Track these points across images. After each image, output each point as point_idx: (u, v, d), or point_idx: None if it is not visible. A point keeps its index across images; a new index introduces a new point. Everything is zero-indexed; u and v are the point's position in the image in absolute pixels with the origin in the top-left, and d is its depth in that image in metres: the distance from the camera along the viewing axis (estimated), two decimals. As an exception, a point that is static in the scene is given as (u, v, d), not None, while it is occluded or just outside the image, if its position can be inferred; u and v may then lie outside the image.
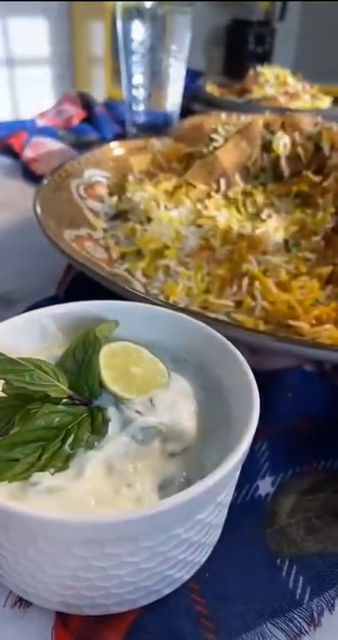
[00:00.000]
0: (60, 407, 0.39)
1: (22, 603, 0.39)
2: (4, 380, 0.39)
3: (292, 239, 0.71)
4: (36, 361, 0.40)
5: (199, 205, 0.80)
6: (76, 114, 1.53)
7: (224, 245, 0.72)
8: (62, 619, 0.38)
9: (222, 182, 0.85)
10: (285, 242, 0.71)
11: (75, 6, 4.03)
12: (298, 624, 0.38)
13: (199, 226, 0.76)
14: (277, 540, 0.45)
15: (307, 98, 1.68)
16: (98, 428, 0.39)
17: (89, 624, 0.38)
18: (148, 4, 1.19)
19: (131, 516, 0.30)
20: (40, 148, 1.31)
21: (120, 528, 0.30)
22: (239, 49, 4.46)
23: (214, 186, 0.85)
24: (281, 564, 0.43)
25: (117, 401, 0.41)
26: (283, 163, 0.80)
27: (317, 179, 0.76)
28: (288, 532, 0.46)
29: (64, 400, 0.40)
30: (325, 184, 0.74)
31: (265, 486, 0.50)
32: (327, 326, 0.60)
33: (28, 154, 1.28)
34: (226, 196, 0.82)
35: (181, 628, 0.38)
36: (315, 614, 0.39)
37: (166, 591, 0.39)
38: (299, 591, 0.41)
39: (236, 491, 0.48)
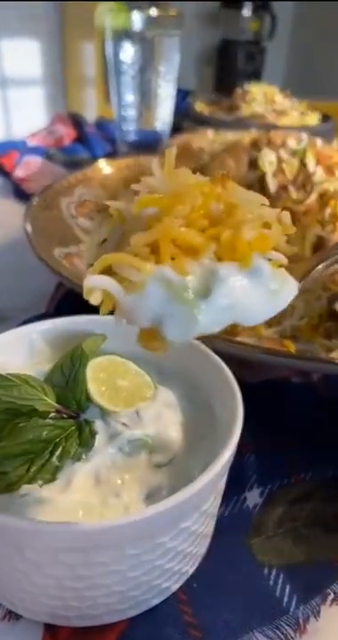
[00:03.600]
0: (48, 421, 0.40)
1: (11, 615, 0.40)
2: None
3: None
4: (24, 376, 0.41)
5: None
6: (66, 134, 1.54)
7: None
8: (51, 630, 0.38)
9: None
10: None
11: (66, 28, 4.08)
12: (284, 631, 0.39)
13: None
14: (264, 550, 0.45)
15: (295, 114, 1.70)
16: (85, 440, 0.40)
17: (77, 635, 0.38)
18: (137, 26, 1.21)
19: (115, 523, 0.31)
20: (31, 168, 1.32)
21: (104, 535, 0.31)
22: (230, 68, 4.51)
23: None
24: (268, 574, 0.43)
25: (104, 414, 0.42)
26: (269, 179, 0.81)
27: (300, 196, 0.77)
28: (276, 541, 0.46)
29: (52, 414, 0.41)
30: (308, 202, 0.76)
31: (253, 497, 0.50)
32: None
33: (20, 173, 1.29)
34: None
35: (170, 638, 0.38)
36: (301, 621, 0.40)
37: (155, 601, 0.39)
38: (285, 599, 0.41)
39: (224, 503, 0.48)
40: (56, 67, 4.23)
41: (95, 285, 0.30)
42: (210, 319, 0.30)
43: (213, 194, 0.32)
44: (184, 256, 0.30)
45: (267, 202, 0.33)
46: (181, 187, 0.32)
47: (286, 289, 0.32)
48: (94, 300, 0.30)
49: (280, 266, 0.32)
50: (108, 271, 0.30)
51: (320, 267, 0.46)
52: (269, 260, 0.32)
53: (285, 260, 0.33)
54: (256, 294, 0.31)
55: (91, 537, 0.31)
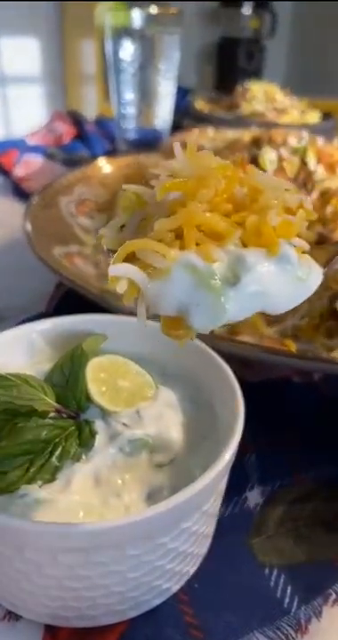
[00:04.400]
0: (48, 421, 0.40)
1: (11, 616, 0.39)
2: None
3: None
4: (24, 376, 0.41)
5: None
6: (66, 132, 1.54)
7: None
8: (51, 631, 0.38)
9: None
10: None
11: (66, 26, 4.08)
12: (285, 631, 0.39)
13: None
14: (265, 550, 0.45)
15: (296, 113, 1.70)
16: (85, 440, 0.40)
17: (78, 636, 0.38)
18: (137, 24, 1.21)
19: (115, 524, 0.31)
20: (31, 167, 1.32)
21: (105, 535, 0.31)
22: (230, 65, 4.51)
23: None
24: (269, 574, 0.43)
25: (105, 414, 0.42)
26: (269, 177, 0.81)
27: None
28: (276, 541, 0.46)
29: (52, 414, 0.40)
30: (309, 200, 0.76)
31: (254, 497, 0.50)
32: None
33: (19, 172, 1.29)
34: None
35: (171, 639, 0.38)
36: (302, 622, 0.39)
37: (155, 602, 0.39)
38: (287, 600, 0.41)
39: (225, 503, 0.48)
40: (56, 65, 4.23)
41: (120, 274, 0.29)
42: (238, 307, 0.29)
43: (236, 177, 0.31)
44: (209, 242, 0.29)
45: (292, 186, 0.32)
46: (204, 170, 0.30)
47: (313, 276, 0.31)
48: (120, 288, 0.29)
49: (303, 252, 0.31)
50: (130, 257, 0.29)
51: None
52: (294, 246, 0.31)
53: (307, 247, 0.32)
54: (283, 281, 0.30)
55: (91, 537, 0.31)
